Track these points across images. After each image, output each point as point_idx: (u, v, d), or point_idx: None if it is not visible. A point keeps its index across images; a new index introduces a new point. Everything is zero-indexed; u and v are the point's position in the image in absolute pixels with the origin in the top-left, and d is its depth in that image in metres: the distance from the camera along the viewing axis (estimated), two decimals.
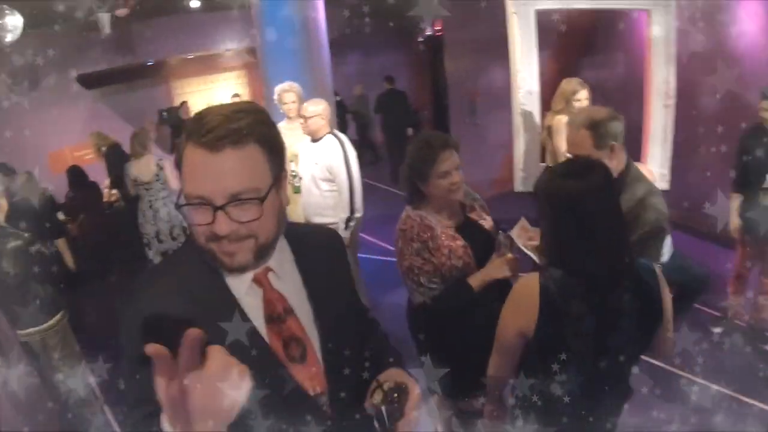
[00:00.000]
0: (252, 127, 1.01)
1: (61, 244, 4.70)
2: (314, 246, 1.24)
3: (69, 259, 4.72)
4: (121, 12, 5.25)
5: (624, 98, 4.87)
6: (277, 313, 1.12)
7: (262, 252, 1.08)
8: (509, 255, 2.25)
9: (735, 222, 3.83)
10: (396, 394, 1.13)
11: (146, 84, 9.22)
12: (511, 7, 4.35)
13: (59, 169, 6.16)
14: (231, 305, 1.07)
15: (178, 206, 1.05)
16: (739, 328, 4.00)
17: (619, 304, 1.61)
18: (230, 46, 9.02)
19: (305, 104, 4.00)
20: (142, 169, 5.01)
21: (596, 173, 1.59)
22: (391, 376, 1.18)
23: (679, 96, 4.34)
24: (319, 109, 3.91)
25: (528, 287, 1.65)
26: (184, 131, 1.04)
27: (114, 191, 5.98)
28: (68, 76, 6.47)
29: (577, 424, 1.67)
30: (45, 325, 3.30)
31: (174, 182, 5.17)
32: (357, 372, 1.19)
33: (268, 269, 1.12)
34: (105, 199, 5.93)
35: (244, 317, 1.07)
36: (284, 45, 5.39)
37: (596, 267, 1.58)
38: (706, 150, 3.76)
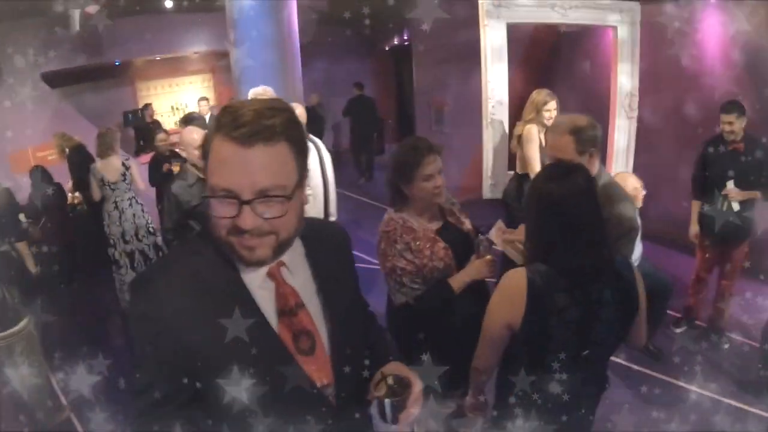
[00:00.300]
0: (284, 126, 1.02)
1: (22, 247, 4.56)
2: (324, 241, 1.26)
3: (30, 263, 4.58)
4: (91, 9, 5.13)
5: (589, 110, 5.05)
6: (289, 306, 1.14)
7: (282, 248, 1.10)
8: (488, 257, 2.33)
9: (695, 228, 4.03)
10: (399, 388, 1.17)
11: (111, 84, 9.00)
12: (483, 20, 4.47)
13: (21, 169, 5.96)
14: (244, 298, 1.09)
15: (202, 197, 1.06)
16: (699, 328, 4.21)
17: (600, 296, 1.71)
18: (198, 48, 8.90)
19: None
20: (108, 169, 4.93)
21: (578, 176, 1.70)
22: (393, 369, 1.22)
23: (642, 108, 4.53)
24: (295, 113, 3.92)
25: (516, 282, 1.72)
26: (214, 123, 1.04)
27: (77, 194, 5.82)
28: (33, 73, 6.27)
29: (559, 415, 1.74)
30: (12, 330, 3.19)
31: (140, 182, 5.10)
32: (361, 364, 1.23)
33: (281, 263, 1.14)
34: (68, 202, 5.77)
35: (255, 311, 1.09)
36: (256, 49, 5.39)
37: (579, 262, 1.67)
38: (668, 159, 3.93)
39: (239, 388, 1.02)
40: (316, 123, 10.53)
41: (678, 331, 4.22)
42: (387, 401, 1.16)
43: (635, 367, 3.68)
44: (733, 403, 3.34)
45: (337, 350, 1.18)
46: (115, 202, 4.96)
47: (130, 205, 5.00)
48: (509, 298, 1.75)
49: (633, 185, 3.39)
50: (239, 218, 1.01)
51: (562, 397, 1.68)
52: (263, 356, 1.06)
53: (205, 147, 1.06)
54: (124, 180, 4.95)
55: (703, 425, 2.81)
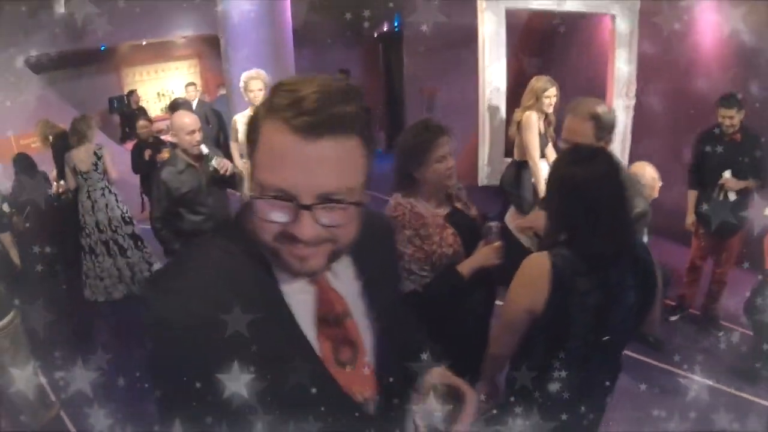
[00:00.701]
0: (358, 116, 0.83)
1: (5, 238, 4.42)
2: (368, 236, 1.01)
3: (14, 256, 4.45)
4: None
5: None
6: (334, 314, 0.98)
7: (335, 256, 0.92)
8: (496, 243, 2.29)
9: (691, 217, 4.06)
10: (451, 399, 1.06)
11: (96, 70, 8.79)
12: (481, 5, 4.41)
13: (4, 157, 5.81)
14: (278, 304, 0.93)
15: (251, 197, 0.87)
16: (693, 316, 4.25)
17: (622, 279, 1.70)
18: (185, 33, 8.71)
19: None
20: (81, 157, 4.82)
21: (603, 160, 1.69)
22: (442, 377, 1.09)
23: (639, 97, 4.53)
24: None
25: (539, 266, 1.69)
26: (265, 104, 0.85)
27: (62, 182, 5.68)
28: (15, 58, 6.09)
29: (571, 405, 1.71)
30: None
31: (113, 172, 4.98)
32: (406, 374, 1.09)
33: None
34: (53, 191, 5.63)
35: (291, 321, 0.94)
36: (248, 32, 5.29)
37: (603, 246, 1.65)
38: (664, 149, 3.92)
39: (270, 404, 0.88)
40: None
41: (672, 319, 4.26)
42: (437, 414, 1.04)
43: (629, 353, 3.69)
44: (727, 389, 3.36)
45: (381, 360, 1.03)
46: (88, 192, 4.86)
47: (103, 194, 4.90)
48: (532, 282, 1.71)
49: (651, 175, 3.41)
50: (296, 226, 0.84)
51: (576, 387, 1.66)
52: (296, 370, 0.90)
53: (252, 133, 0.87)
54: (96, 169, 4.85)
55: (697, 413, 2.82)
